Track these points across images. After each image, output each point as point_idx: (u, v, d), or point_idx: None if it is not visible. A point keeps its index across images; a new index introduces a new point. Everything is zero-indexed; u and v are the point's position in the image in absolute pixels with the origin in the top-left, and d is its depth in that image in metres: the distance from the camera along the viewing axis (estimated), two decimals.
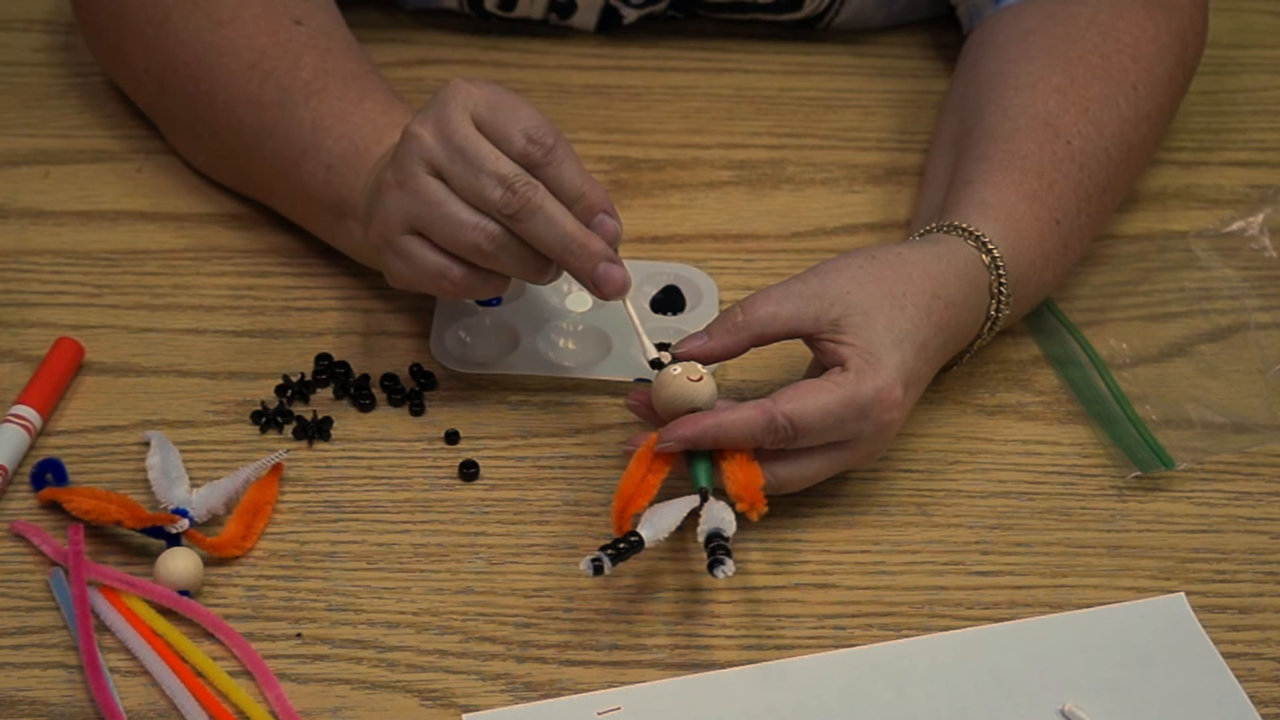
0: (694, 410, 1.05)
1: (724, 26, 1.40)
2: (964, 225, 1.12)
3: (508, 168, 1.04)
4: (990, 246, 1.11)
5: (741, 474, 1.03)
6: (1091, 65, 1.20)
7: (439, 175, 1.05)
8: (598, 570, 0.99)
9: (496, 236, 1.05)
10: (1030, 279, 1.14)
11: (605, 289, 1.06)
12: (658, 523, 1.02)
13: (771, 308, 1.07)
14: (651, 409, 1.07)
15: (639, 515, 1.02)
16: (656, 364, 1.07)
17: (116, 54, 1.27)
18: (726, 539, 1.01)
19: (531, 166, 1.04)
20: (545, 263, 1.07)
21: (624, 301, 1.08)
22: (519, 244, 1.05)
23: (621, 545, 1.00)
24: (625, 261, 1.21)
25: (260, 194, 1.23)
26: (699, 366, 1.06)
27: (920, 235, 1.13)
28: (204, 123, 1.22)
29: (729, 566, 0.99)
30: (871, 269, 1.08)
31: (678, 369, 1.06)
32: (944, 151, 1.23)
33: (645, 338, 1.08)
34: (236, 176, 1.24)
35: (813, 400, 1.04)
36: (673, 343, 1.08)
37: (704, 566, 1.00)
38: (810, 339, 1.07)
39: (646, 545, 1.01)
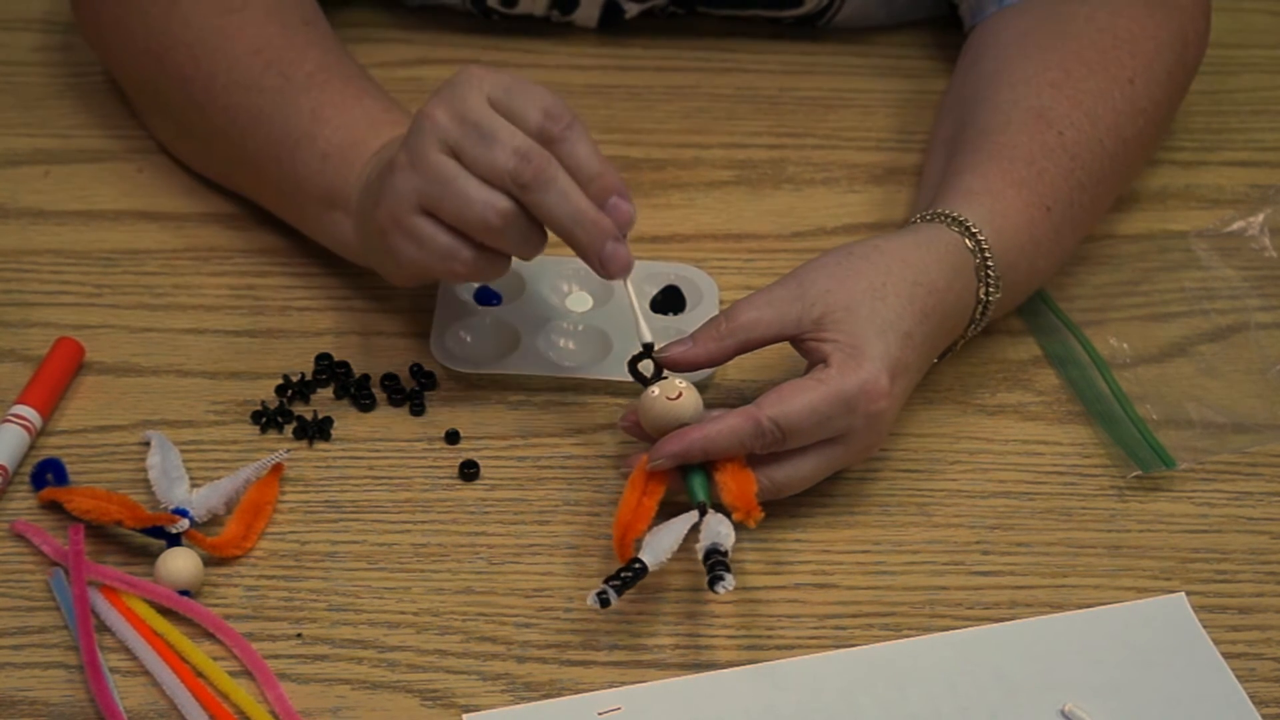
0: (681, 426, 1.05)
1: (725, 25, 1.40)
2: (947, 212, 1.12)
3: (523, 140, 1.03)
4: (974, 230, 1.11)
5: (734, 483, 1.03)
6: (1087, 60, 1.20)
7: (452, 154, 1.05)
8: (604, 603, 0.99)
9: (506, 212, 1.04)
10: (1020, 265, 1.14)
11: (610, 267, 1.05)
12: (658, 546, 1.01)
13: (754, 313, 1.07)
14: (644, 429, 1.07)
15: (640, 540, 1.02)
16: (649, 348, 1.07)
17: (116, 31, 1.25)
18: (725, 553, 1.00)
19: (548, 142, 1.04)
20: (546, 241, 1.06)
21: (625, 282, 1.07)
22: (527, 221, 1.05)
23: (626, 574, 1.00)
24: None
25: (248, 183, 1.22)
26: (676, 383, 1.05)
27: (902, 227, 1.13)
28: (199, 106, 1.20)
29: (729, 582, 0.99)
30: (849, 264, 1.08)
31: (656, 390, 1.05)
32: (940, 150, 1.23)
33: (643, 321, 1.07)
34: (224, 165, 1.23)
35: (797, 400, 1.04)
36: (661, 344, 1.08)
37: (703, 568, 1.00)
38: (795, 341, 1.07)
39: (650, 570, 1.01)
